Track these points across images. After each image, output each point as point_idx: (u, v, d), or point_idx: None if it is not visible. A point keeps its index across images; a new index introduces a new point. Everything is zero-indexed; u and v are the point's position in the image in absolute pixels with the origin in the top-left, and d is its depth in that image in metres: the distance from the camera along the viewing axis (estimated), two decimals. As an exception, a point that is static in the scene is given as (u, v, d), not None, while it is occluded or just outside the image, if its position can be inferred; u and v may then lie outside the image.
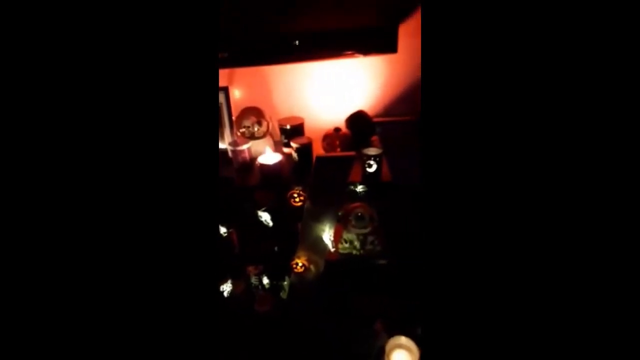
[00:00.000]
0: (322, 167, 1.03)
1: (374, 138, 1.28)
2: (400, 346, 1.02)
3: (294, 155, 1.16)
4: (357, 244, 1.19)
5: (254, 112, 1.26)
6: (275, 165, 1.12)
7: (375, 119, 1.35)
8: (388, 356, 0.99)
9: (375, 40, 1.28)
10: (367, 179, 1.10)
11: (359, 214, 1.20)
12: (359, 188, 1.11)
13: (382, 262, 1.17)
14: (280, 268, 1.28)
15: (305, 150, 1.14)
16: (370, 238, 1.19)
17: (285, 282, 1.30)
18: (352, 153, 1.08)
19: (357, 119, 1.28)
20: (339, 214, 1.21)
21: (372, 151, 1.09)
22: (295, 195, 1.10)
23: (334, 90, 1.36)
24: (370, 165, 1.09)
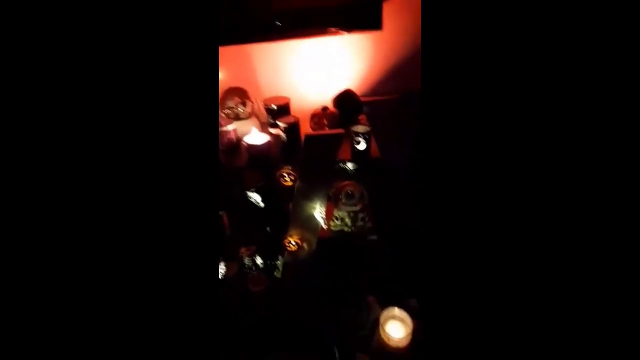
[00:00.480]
0: (312, 146, 0.96)
1: (362, 117, 1.21)
2: (393, 317, 0.99)
3: (282, 135, 1.08)
4: (348, 221, 1.14)
5: (238, 93, 1.17)
6: (264, 145, 1.04)
7: (363, 99, 1.27)
8: (382, 327, 0.96)
9: (358, 17, 1.19)
10: (356, 156, 1.03)
11: (349, 192, 1.15)
12: (349, 166, 1.04)
13: (373, 237, 1.13)
14: (273, 248, 1.21)
15: (293, 129, 1.06)
16: (360, 215, 1.14)
17: (279, 262, 1.24)
18: (340, 131, 1.01)
19: (345, 98, 1.20)
20: (330, 192, 1.15)
21: (360, 128, 1.03)
22: (285, 174, 1.03)
23: (320, 69, 1.27)
24: (358, 142, 1.03)
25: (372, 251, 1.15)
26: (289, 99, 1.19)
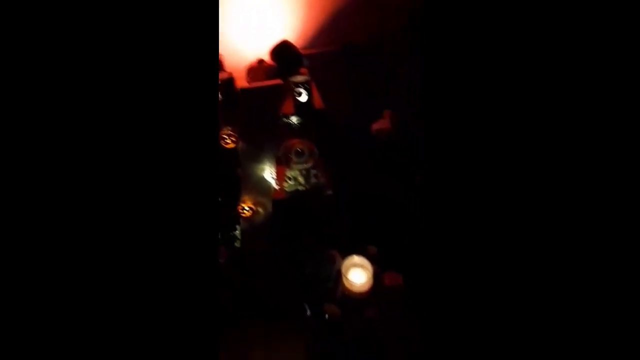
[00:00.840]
0: (250, 100, 0.86)
1: (303, 70, 1.12)
2: (354, 265, 0.97)
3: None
4: (301, 179, 1.08)
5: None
6: (196, 107, 0.92)
7: (302, 52, 1.17)
8: (345, 276, 0.94)
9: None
10: (299, 109, 0.95)
11: (299, 150, 1.08)
12: (293, 119, 0.96)
13: (329, 192, 1.09)
14: (228, 217, 1.13)
15: (227, 85, 0.95)
16: (313, 172, 1.08)
17: (237, 231, 1.17)
18: (278, 81, 0.91)
19: (282, 49, 1.09)
20: (279, 154, 1.07)
21: (299, 78, 0.94)
22: (226, 136, 0.93)
23: (253, 21, 1.13)
24: (300, 94, 0.94)
25: (329, 206, 1.11)
26: (220, 54, 1.05)
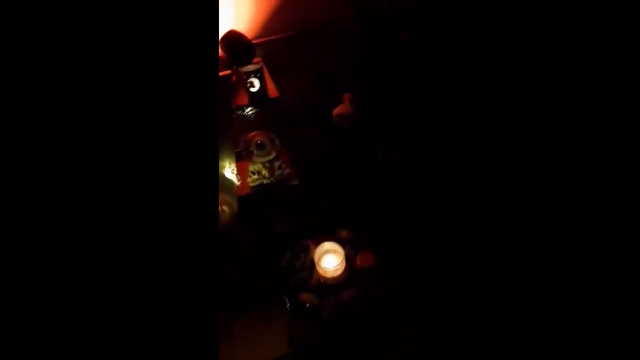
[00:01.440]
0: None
1: (257, 60, 1.06)
2: (327, 252, 0.95)
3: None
4: (265, 172, 1.04)
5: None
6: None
7: (256, 41, 1.11)
8: (318, 264, 0.93)
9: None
10: (253, 99, 0.90)
11: (259, 142, 1.03)
12: (248, 111, 0.91)
13: (295, 182, 1.06)
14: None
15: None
16: (276, 163, 1.05)
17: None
18: (226, 72, 0.86)
19: (231, 39, 1.02)
20: (238, 148, 1.02)
21: (250, 67, 0.89)
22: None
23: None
24: (252, 84, 0.89)
25: (297, 196, 1.08)
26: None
